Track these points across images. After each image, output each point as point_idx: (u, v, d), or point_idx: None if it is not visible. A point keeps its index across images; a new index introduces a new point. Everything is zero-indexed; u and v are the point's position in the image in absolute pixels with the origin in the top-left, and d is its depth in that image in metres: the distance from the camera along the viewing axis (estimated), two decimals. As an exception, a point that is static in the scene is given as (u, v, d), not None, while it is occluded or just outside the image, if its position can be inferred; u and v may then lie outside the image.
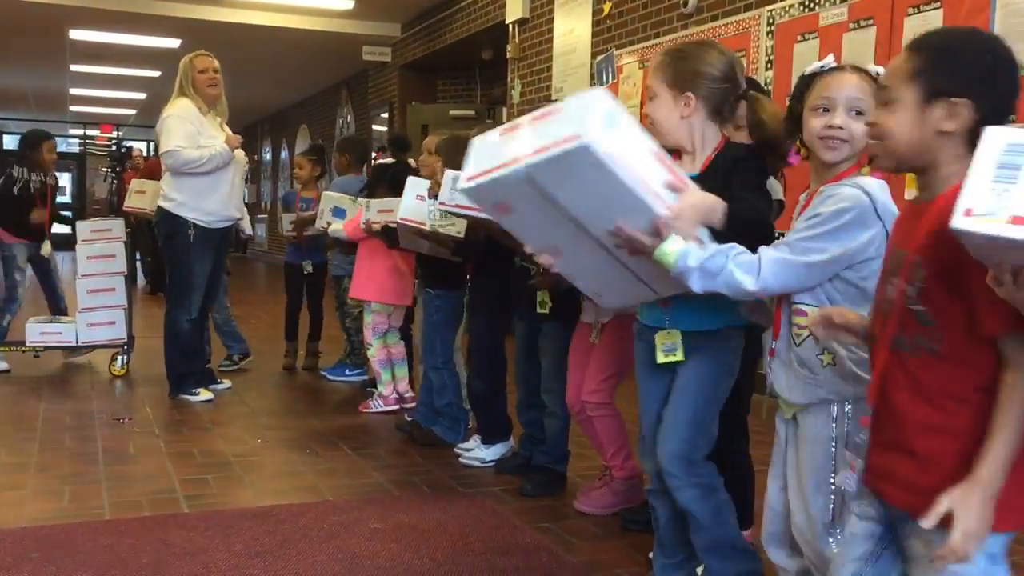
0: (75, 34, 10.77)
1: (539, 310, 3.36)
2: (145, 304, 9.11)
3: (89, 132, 21.49)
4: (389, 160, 4.83)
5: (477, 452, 3.88)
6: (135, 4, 9.43)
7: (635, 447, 3.21)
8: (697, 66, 2.21)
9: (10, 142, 20.27)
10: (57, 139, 6.89)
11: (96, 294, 5.68)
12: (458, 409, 4.16)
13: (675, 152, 2.26)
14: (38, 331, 5.70)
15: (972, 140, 1.36)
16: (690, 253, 1.85)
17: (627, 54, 6.43)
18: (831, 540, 1.86)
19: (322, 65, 12.41)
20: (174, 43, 10.75)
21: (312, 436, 4.30)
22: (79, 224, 5.89)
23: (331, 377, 5.75)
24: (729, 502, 2.35)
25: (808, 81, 1.94)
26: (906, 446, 1.46)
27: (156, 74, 13.13)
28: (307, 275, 5.99)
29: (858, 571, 1.56)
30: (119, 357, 5.66)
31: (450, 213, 3.40)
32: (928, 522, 1.36)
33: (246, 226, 5.49)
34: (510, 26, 8.11)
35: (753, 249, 1.93)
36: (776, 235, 2.58)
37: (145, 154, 13.49)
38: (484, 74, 10.47)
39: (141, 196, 6.08)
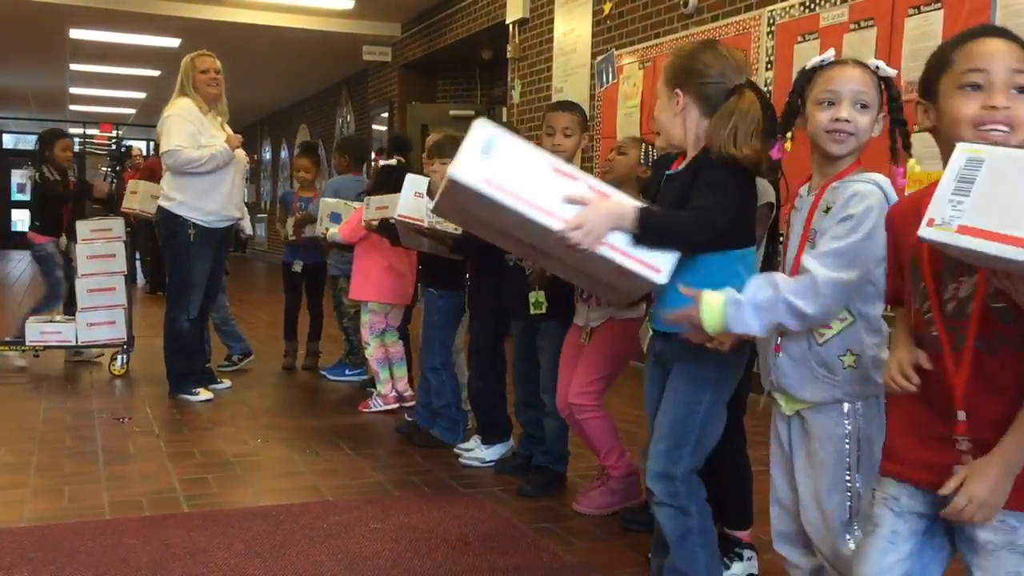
0: (75, 33, 10.77)
1: (533, 311, 3.36)
2: (145, 304, 9.12)
3: (89, 131, 21.49)
4: (393, 162, 4.80)
5: (477, 452, 3.88)
6: (135, 3, 9.43)
7: (632, 447, 3.23)
8: (688, 63, 2.20)
9: (9, 141, 20.32)
10: (58, 138, 6.86)
11: (96, 294, 5.68)
12: (456, 410, 4.16)
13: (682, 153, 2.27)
14: (38, 331, 5.71)
15: None
16: (730, 299, 1.85)
17: (627, 54, 6.43)
18: (848, 537, 1.85)
19: (322, 65, 12.41)
20: (174, 42, 10.76)
21: (312, 436, 4.31)
22: (79, 224, 5.90)
23: (331, 377, 5.75)
24: (702, 532, 2.24)
25: (810, 75, 1.92)
26: (976, 439, 1.45)
27: (156, 73, 13.15)
28: (300, 274, 5.99)
29: (908, 571, 1.56)
30: (119, 357, 5.66)
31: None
32: (946, 489, 1.41)
33: (246, 226, 5.48)
34: (510, 26, 8.11)
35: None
36: (768, 234, 2.59)
37: (145, 153, 13.49)
38: (484, 74, 10.48)
39: (133, 197, 6.25)
